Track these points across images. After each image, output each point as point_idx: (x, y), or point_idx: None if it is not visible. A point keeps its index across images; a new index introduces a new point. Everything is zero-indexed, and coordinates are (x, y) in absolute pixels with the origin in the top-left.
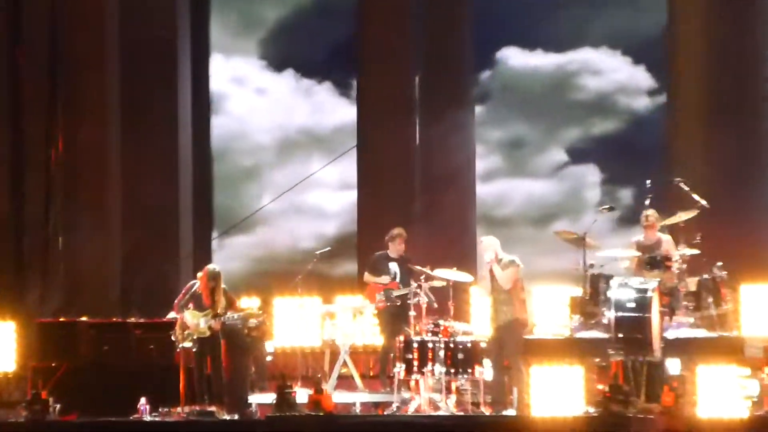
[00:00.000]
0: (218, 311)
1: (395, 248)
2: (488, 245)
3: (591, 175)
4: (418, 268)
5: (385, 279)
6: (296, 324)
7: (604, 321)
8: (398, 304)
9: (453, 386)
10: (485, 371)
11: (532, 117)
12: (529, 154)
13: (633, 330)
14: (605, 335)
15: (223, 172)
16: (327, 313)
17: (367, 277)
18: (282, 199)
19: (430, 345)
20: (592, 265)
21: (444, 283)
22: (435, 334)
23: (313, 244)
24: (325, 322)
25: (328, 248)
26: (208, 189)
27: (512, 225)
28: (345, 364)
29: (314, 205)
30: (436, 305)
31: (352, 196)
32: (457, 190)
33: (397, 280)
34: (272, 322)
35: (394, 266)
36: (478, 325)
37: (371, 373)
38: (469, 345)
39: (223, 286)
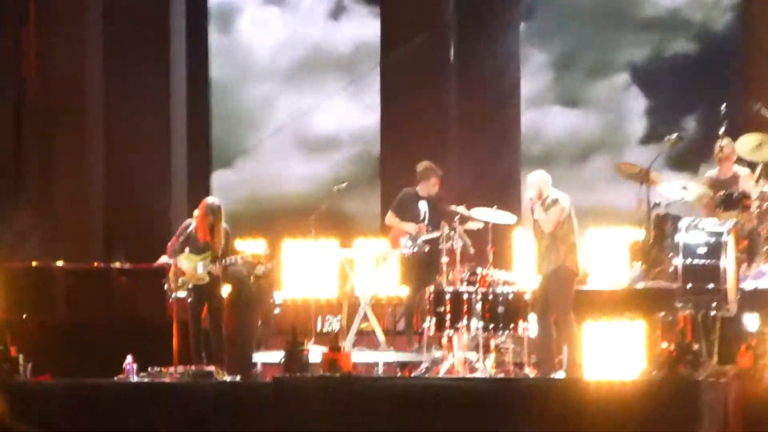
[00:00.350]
0: (218, 253)
1: (427, 187)
2: (532, 182)
3: (648, 102)
4: (453, 207)
5: (410, 227)
6: (309, 271)
7: (671, 269)
8: (426, 250)
9: (492, 344)
10: (530, 327)
11: (585, 35)
12: (579, 77)
13: (704, 279)
14: (671, 285)
15: (224, 98)
16: (345, 259)
17: (390, 218)
18: (290, 130)
19: (466, 296)
20: (656, 205)
21: (481, 225)
22: (471, 283)
23: (326, 179)
24: (343, 270)
25: (346, 183)
26: (205, 118)
27: (553, 159)
28: (366, 318)
29: (329, 136)
30: (472, 251)
31: (373, 124)
32: (499, 118)
33: (426, 222)
34: (281, 269)
35: (423, 206)
36: (522, 274)
37: (396, 329)
38: (510, 297)
39: (224, 225)
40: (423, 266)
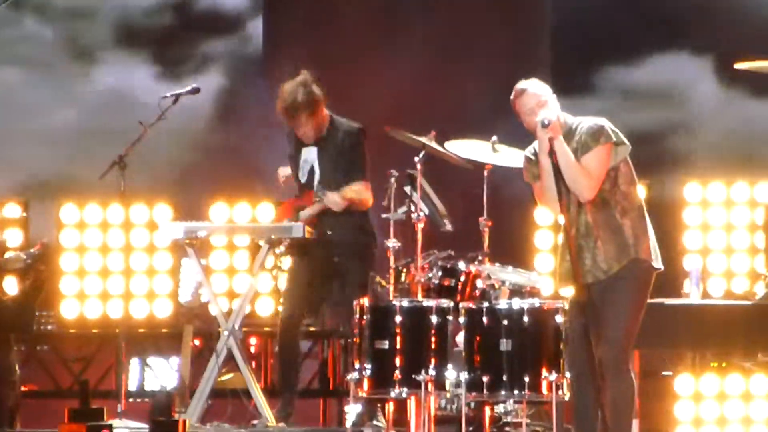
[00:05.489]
0: None
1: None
2: (536, 92)
3: None
4: (408, 135)
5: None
6: (114, 266)
7: None
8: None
9: (486, 416)
10: (563, 381)
11: None
12: None
13: None
14: None
15: None
16: (190, 240)
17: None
18: None
19: (435, 319)
20: None
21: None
22: (446, 291)
23: None
24: (187, 264)
25: None
26: None
27: None
28: (231, 362)
29: None
30: (448, 225)
31: None
32: None
33: (315, 182)
34: (58, 262)
35: (310, 154)
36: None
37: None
38: (527, 320)
39: None
40: (324, 261)
